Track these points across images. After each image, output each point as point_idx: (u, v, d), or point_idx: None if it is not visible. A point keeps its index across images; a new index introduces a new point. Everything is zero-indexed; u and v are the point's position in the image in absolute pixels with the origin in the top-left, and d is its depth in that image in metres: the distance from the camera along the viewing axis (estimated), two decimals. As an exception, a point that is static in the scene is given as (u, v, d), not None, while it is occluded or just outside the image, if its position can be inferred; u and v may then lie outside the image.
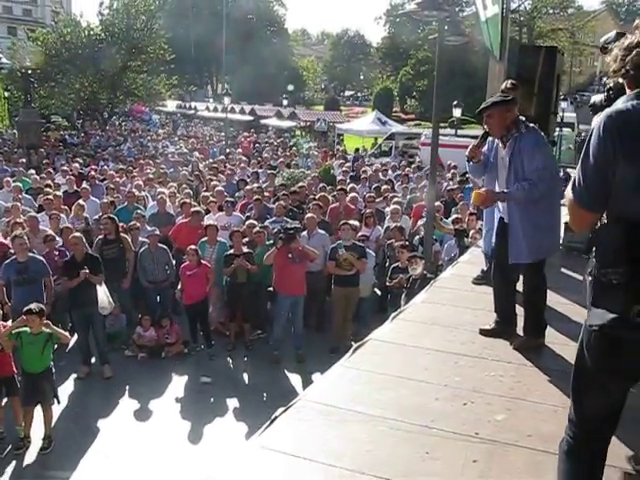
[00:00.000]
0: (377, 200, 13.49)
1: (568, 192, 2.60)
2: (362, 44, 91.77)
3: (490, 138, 4.96)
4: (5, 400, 7.63)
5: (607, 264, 2.43)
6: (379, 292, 11.26)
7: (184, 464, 7.02)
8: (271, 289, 10.30)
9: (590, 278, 2.53)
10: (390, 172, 20.35)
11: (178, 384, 9.26)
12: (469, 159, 5.03)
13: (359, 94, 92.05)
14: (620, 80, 2.61)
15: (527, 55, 7.41)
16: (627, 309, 2.35)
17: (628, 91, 2.51)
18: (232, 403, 8.68)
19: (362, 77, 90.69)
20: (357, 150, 32.40)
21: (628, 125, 2.38)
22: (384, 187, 15.25)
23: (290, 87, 54.89)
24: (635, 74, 2.46)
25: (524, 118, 4.82)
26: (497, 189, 4.89)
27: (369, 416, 3.81)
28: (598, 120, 2.47)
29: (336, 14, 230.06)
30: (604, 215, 2.52)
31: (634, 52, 2.44)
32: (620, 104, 2.47)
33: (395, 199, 13.20)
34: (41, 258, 9.39)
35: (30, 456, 7.29)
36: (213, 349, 10.20)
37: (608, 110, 2.47)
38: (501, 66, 8.04)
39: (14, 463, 7.15)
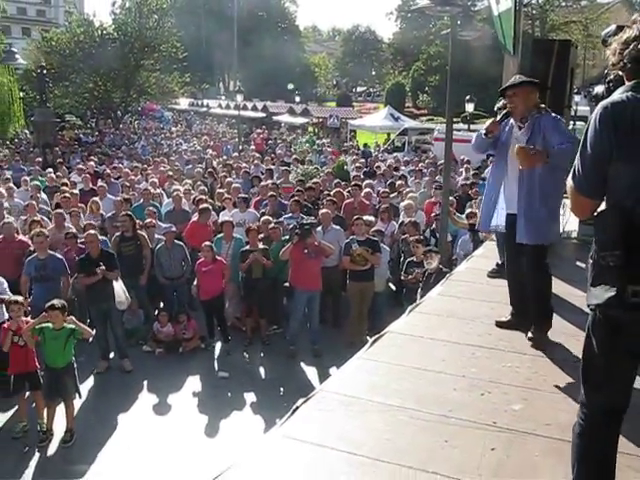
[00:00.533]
0: (391, 195, 13.53)
1: (569, 180, 2.70)
2: (373, 40, 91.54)
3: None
4: (27, 394, 7.79)
5: (605, 248, 2.54)
6: (394, 287, 11.31)
7: (203, 457, 7.10)
8: (287, 284, 10.37)
9: (590, 261, 2.65)
10: (403, 167, 20.40)
11: (196, 379, 9.36)
12: (486, 133, 4.99)
13: (371, 90, 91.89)
14: (620, 73, 2.68)
15: (540, 49, 7.43)
16: (622, 288, 2.46)
17: (626, 83, 2.59)
18: (249, 397, 8.76)
19: (374, 73, 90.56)
20: (365, 145, 32.46)
21: (623, 117, 2.48)
22: (398, 182, 15.30)
23: (290, 86, 54.16)
24: (632, 67, 2.57)
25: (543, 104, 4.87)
26: (508, 169, 4.92)
27: (388, 406, 3.88)
28: (595, 111, 2.56)
29: (347, 10, 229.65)
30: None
31: (631, 46, 2.54)
32: (616, 95, 2.55)
33: (410, 194, 13.23)
34: (60, 257, 9.53)
35: (52, 449, 7.45)
36: (230, 344, 10.30)
37: (604, 101, 2.56)
38: (515, 60, 8.06)
39: (37, 455, 7.30)
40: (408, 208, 11.87)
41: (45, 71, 29.49)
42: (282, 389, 8.98)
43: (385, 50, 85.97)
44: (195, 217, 11.93)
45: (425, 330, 5.12)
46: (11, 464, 7.13)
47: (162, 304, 11.20)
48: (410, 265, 9.81)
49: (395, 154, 27.47)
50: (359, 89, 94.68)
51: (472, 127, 29.14)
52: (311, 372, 9.48)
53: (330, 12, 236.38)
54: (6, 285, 8.68)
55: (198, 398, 8.78)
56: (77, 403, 7.92)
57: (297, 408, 3.78)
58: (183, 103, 54.95)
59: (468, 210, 11.49)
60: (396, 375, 4.31)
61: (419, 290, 8.78)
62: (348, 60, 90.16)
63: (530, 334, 4.86)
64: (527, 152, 4.49)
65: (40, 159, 21.80)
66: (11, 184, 15.16)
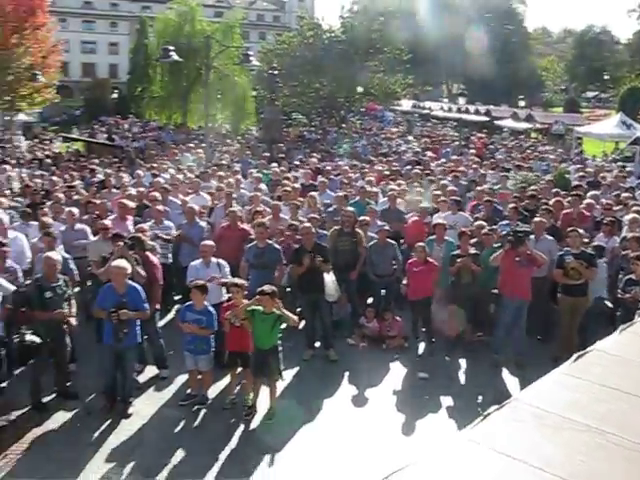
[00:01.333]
0: (615, 208, 12.76)
1: None
2: (609, 41, 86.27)
3: None
4: (239, 370, 8.46)
5: None
6: (610, 305, 10.67)
7: (391, 452, 7.24)
8: (496, 291, 10.18)
9: None
10: (632, 179, 19.13)
11: (396, 376, 9.52)
12: None
13: (602, 95, 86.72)
14: None
15: None
16: None
17: None
18: (446, 401, 8.74)
19: (607, 77, 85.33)
20: (581, 152, 30.98)
21: None
22: (624, 195, 14.38)
23: (522, 103, 50.30)
24: None
25: None
26: None
27: (585, 426, 3.70)
28: None
29: (580, 9, 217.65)
30: None
31: None
32: None
33: (635, 207, 12.39)
34: (278, 247, 10.12)
35: (255, 423, 8.07)
36: (433, 346, 10.33)
37: None
38: None
39: (242, 427, 7.97)
40: (632, 222, 11.13)
41: (276, 72, 31.25)
42: (480, 397, 8.85)
43: (622, 52, 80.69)
44: (414, 216, 12.12)
45: (637, 352, 4.82)
46: (220, 431, 7.87)
47: (370, 300, 11.43)
48: (629, 283, 9.21)
49: (619, 163, 25.72)
50: (589, 94, 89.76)
51: None
52: (512, 383, 9.24)
53: (562, 12, 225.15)
54: (228, 269, 9.40)
55: (396, 396, 8.93)
56: (280, 385, 8.46)
57: (488, 415, 3.74)
58: (405, 104, 55.47)
59: None
60: (598, 396, 4.09)
61: (638, 311, 8.25)
62: (579, 63, 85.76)
63: None
64: None
65: (268, 154, 23.14)
66: (239, 176, 16.34)
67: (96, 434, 7.77)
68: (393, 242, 11.12)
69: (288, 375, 8.90)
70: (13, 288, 8.49)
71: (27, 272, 9.61)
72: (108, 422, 8.00)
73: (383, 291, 11.27)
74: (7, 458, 7.24)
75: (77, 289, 9.57)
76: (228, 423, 8.05)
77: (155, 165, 19.40)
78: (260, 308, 7.86)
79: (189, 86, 35.85)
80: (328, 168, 19.01)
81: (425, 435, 7.78)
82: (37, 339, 8.04)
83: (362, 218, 11.48)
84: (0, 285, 8.34)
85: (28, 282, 8.71)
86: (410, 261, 10.33)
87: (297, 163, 20.34)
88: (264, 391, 8.26)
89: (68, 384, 8.67)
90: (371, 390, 9.01)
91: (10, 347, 8.44)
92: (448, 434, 7.24)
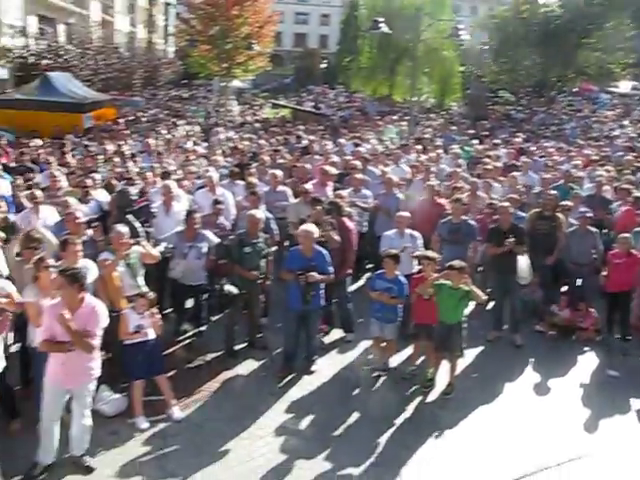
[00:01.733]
0: None
1: None
2: None
3: None
4: (422, 343, 8.50)
5: None
6: None
7: (570, 443, 7.08)
8: None
9: None
10: None
11: (582, 370, 9.10)
12: None
13: None
14: None
15: None
16: None
17: None
18: (636, 404, 8.16)
19: None
20: None
21: None
22: None
23: None
24: None
25: None
26: None
27: None
28: None
29: None
30: None
31: None
32: None
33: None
34: (473, 223, 10.01)
35: (432, 397, 8.13)
36: (628, 344, 9.74)
37: None
38: None
39: (418, 399, 8.07)
40: None
41: (486, 47, 30.54)
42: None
43: None
44: (625, 205, 11.58)
45: None
46: (396, 400, 8.03)
47: (564, 288, 10.89)
48: None
49: None
50: None
51: None
52: None
53: None
54: (421, 241, 9.44)
55: (582, 389, 8.54)
56: (462, 362, 8.47)
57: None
58: (623, 86, 51.83)
59: None
60: None
61: None
62: None
63: None
64: None
65: (472, 131, 22.79)
66: (440, 150, 16.27)
67: (279, 385, 8.24)
68: (595, 230, 10.56)
69: (470, 353, 8.85)
70: (217, 241, 9.13)
71: (231, 227, 10.26)
72: (291, 376, 8.42)
73: (579, 280, 10.70)
74: (200, 394, 7.94)
75: (275, 248, 10.03)
76: (405, 393, 8.15)
77: (358, 135, 19.79)
78: (448, 282, 7.82)
79: (396, 59, 35.92)
80: (532, 149, 18.39)
81: (608, 433, 7.38)
82: (234, 290, 8.59)
83: (564, 203, 11.00)
84: (206, 237, 9.01)
85: (231, 237, 9.29)
86: (612, 252, 9.80)
87: (499, 142, 19.83)
88: (444, 366, 8.27)
89: (258, 336, 9.24)
90: (554, 380, 8.69)
91: (212, 295, 9.12)
92: (634, 435, 6.88)
